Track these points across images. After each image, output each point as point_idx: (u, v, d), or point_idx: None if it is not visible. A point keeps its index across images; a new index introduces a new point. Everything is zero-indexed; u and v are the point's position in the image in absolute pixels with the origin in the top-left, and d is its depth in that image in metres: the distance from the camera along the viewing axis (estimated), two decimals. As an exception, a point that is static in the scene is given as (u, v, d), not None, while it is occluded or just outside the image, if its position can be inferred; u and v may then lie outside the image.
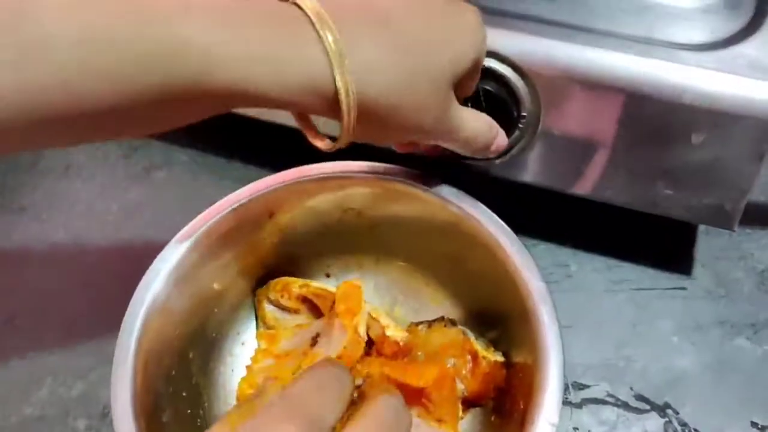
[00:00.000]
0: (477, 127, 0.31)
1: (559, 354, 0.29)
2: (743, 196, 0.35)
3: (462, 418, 0.35)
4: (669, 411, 0.37)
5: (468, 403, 0.35)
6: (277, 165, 0.36)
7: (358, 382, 0.27)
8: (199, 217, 0.34)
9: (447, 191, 0.35)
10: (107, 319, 0.32)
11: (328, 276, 0.41)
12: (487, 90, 0.34)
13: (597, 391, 0.38)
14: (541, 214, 0.44)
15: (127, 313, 0.31)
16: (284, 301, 0.38)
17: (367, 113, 0.26)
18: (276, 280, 0.39)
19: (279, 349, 0.37)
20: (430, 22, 0.28)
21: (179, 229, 0.34)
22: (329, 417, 0.21)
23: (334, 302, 0.36)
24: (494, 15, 0.36)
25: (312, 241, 0.39)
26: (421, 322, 0.37)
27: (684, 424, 0.37)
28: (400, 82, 0.26)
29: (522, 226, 0.34)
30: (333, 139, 0.29)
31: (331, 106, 0.25)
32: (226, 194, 0.35)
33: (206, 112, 0.26)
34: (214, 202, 0.35)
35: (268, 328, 0.39)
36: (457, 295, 0.39)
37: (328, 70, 0.24)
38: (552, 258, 0.43)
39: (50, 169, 0.51)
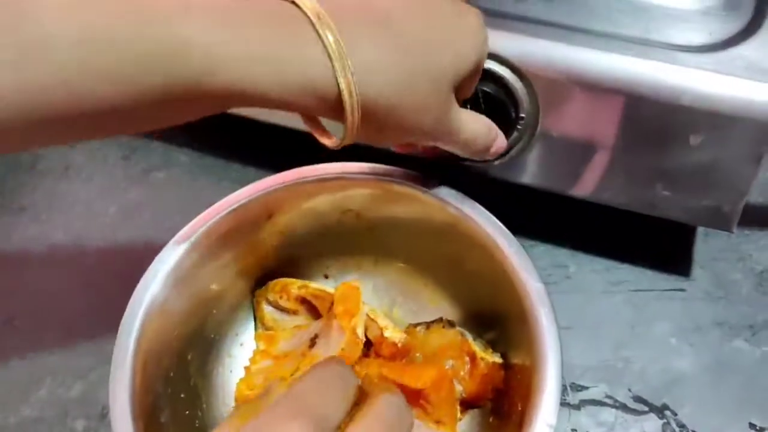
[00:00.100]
0: (476, 129, 0.31)
1: (557, 355, 0.29)
2: (741, 197, 0.35)
3: (460, 419, 0.35)
4: (667, 412, 0.37)
5: (466, 405, 0.35)
6: (276, 166, 0.36)
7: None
8: (198, 218, 0.34)
9: (445, 192, 0.35)
10: (106, 319, 0.32)
11: (326, 277, 0.41)
12: (485, 91, 0.34)
13: (595, 392, 0.38)
14: (540, 216, 0.44)
15: (126, 313, 0.31)
16: (283, 302, 0.38)
17: (367, 113, 0.26)
18: (275, 281, 0.39)
19: (277, 350, 0.37)
20: (431, 23, 0.28)
21: (178, 230, 0.34)
22: (334, 415, 0.21)
23: (332, 303, 0.36)
24: (493, 16, 0.36)
25: (311, 242, 0.39)
26: (420, 324, 0.37)
27: (682, 426, 0.37)
28: (400, 82, 0.26)
29: (520, 227, 0.34)
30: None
31: (332, 106, 0.25)
32: (225, 195, 0.35)
33: (206, 111, 0.26)
34: (213, 203, 0.35)
35: (267, 329, 0.39)
36: (456, 296, 0.39)
37: (329, 71, 0.24)
38: (550, 259, 0.43)
39: (50, 170, 0.51)
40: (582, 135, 0.36)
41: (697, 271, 0.43)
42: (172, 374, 0.33)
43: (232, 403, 0.36)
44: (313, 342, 0.35)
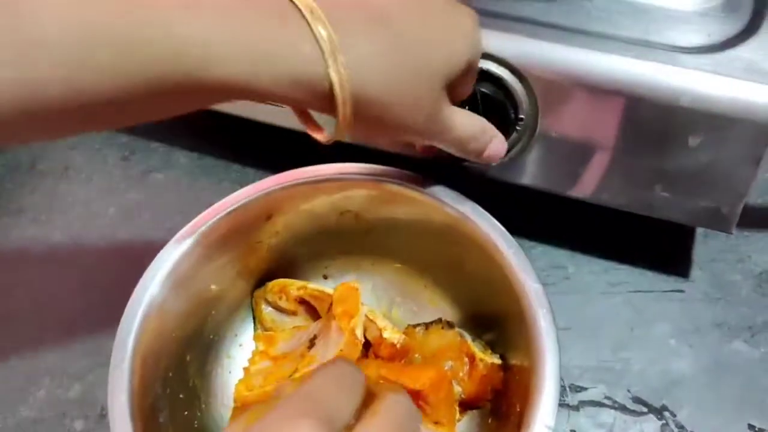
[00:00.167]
0: (470, 128, 0.31)
1: (555, 356, 0.29)
2: (740, 198, 0.35)
3: (459, 420, 0.35)
4: (666, 413, 0.37)
5: (465, 406, 0.35)
6: (276, 167, 0.36)
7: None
8: (197, 218, 0.34)
9: (444, 193, 0.35)
10: (105, 320, 0.32)
11: (325, 278, 0.41)
12: (484, 93, 0.34)
13: (594, 393, 0.38)
14: (539, 217, 0.44)
15: (125, 314, 0.31)
16: (282, 303, 0.38)
17: (359, 109, 0.26)
18: (274, 281, 0.39)
19: (276, 351, 0.37)
20: (426, 21, 0.28)
21: (177, 231, 0.34)
22: (342, 415, 0.21)
23: (331, 304, 0.36)
24: (492, 17, 0.36)
25: (310, 242, 0.39)
26: (419, 324, 0.37)
27: (681, 427, 0.37)
28: (392, 78, 0.26)
29: (519, 228, 0.34)
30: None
31: (325, 100, 0.26)
32: (224, 196, 0.35)
33: (199, 105, 0.26)
34: (213, 204, 0.35)
35: (266, 329, 0.39)
36: (455, 297, 0.39)
37: (322, 65, 0.25)
38: (549, 260, 0.43)
39: (49, 171, 0.51)
40: (581, 136, 0.36)
41: (696, 272, 0.43)
42: (170, 375, 0.33)
43: (231, 404, 0.36)
44: (312, 343, 0.35)
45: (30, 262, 0.46)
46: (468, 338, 0.35)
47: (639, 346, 0.40)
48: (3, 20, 0.20)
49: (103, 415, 0.38)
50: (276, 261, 0.39)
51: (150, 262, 0.33)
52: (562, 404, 0.37)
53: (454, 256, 0.36)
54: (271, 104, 0.26)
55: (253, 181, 0.35)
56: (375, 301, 0.40)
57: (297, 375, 0.33)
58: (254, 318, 0.39)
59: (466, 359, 0.35)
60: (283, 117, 0.30)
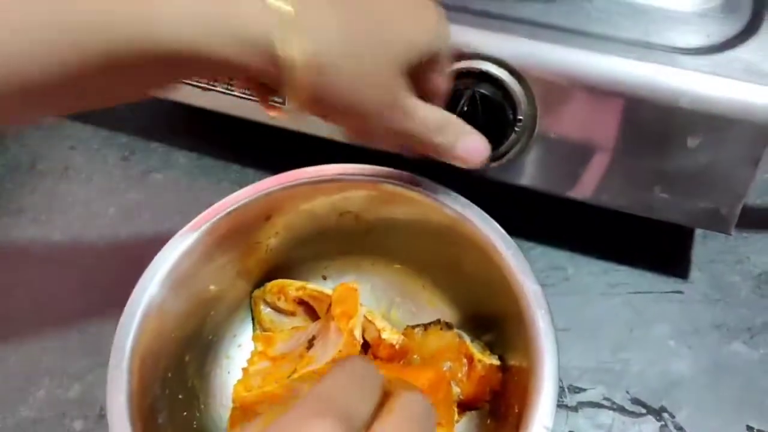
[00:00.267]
0: (432, 119, 0.30)
1: (554, 357, 0.29)
2: (739, 199, 0.35)
3: (458, 421, 0.35)
4: (665, 415, 0.37)
5: (464, 407, 0.35)
6: (275, 167, 0.36)
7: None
8: (197, 219, 0.34)
9: (443, 194, 0.35)
10: (105, 320, 0.32)
11: (324, 278, 0.41)
12: (483, 94, 0.34)
13: (593, 394, 0.38)
14: (538, 217, 0.44)
15: (124, 314, 0.31)
16: (281, 304, 0.38)
17: (311, 77, 0.26)
18: (273, 282, 0.39)
19: (275, 352, 0.37)
20: (387, 7, 0.28)
21: (177, 231, 0.34)
22: (362, 412, 0.21)
23: (330, 305, 0.36)
24: (491, 18, 0.36)
25: (309, 243, 0.39)
26: (417, 325, 0.37)
27: (680, 428, 0.37)
28: (349, 49, 0.26)
29: (518, 229, 0.34)
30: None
31: (277, 67, 0.25)
32: (224, 196, 0.35)
33: (156, 80, 0.26)
34: (212, 204, 0.35)
35: (265, 330, 0.39)
36: (454, 298, 0.39)
37: (276, 26, 0.24)
38: (548, 261, 0.44)
39: (49, 171, 0.51)
40: (580, 137, 0.36)
41: (695, 273, 0.43)
42: (169, 375, 0.33)
43: (230, 405, 0.36)
44: (310, 343, 0.35)
45: (30, 262, 0.46)
46: (467, 339, 0.35)
47: (638, 347, 0.40)
48: None
49: (102, 416, 0.38)
50: (275, 261, 0.39)
51: (150, 262, 0.33)
52: (560, 405, 0.37)
53: (453, 257, 0.36)
54: (223, 84, 0.26)
55: (252, 181, 0.35)
56: (374, 301, 0.40)
57: (295, 375, 0.33)
58: (253, 318, 0.39)
59: (464, 360, 0.35)
60: (283, 118, 0.30)
